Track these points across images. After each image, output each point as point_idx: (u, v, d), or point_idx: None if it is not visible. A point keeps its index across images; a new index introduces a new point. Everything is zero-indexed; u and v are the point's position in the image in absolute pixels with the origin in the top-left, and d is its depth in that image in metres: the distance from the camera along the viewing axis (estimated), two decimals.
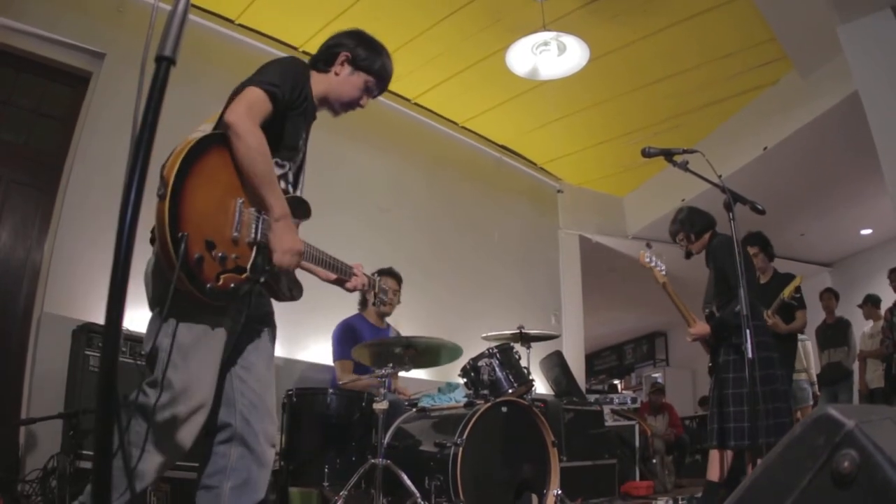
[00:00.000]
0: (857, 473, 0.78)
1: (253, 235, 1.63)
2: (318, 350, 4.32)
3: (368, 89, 1.96)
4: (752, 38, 4.74)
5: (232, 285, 1.55)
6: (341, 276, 2.01)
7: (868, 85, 3.82)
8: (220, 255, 1.52)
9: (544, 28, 4.15)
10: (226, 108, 1.62)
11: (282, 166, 1.78)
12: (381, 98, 5.49)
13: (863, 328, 6.13)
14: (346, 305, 3.99)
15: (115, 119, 3.63)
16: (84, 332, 2.99)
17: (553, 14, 4.33)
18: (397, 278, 3.95)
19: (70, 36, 3.74)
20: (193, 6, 4.13)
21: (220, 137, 1.58)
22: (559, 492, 2.97)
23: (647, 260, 3.33)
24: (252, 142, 1.57)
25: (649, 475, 5.61)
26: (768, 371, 3.05)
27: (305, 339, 4.36)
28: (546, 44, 4.07)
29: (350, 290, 2.07)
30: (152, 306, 1.64)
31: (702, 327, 3.25)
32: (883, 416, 0.90)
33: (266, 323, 1.83)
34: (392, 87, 5.34)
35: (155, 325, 1.57)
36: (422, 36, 4.73)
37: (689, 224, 3.43)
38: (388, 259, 4.02)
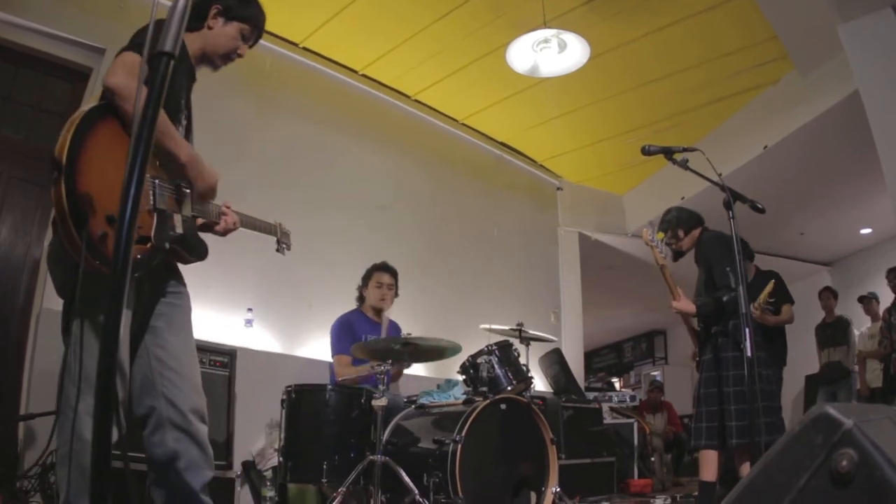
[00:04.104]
0: (856, 473, 0.78)
1: (151, 203, 1.61)
2: (316, 346, 4.31)
3: (244, 37, 1.93)
4: (753, 37, 4.73)
5: (139, 256, 1.55)
6: (208, 220, 1.85)
7: (868, 84, 3.82)
8: None
9: (545, 25, 4.14)
10: None
11: None
12: (381, 94, 5.54)
13: (862, 326, 6.13)
14: (344, 301, 3.99)
15: None
16: None
17: (554, 11, 4.32)
18: (391, 272, 3.94)
19: (70, 31, 3.72)
20: None
21: (105, 108, 1.55)
22: (557, 489, 2.98)
23: (651, 238, 3.22)
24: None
25: (648, 473, 5.62)
26: (760, 371, 3.05)
27: (303, 335, 4.35)
28: (547, 41, 4.06)
29: (221, 234, 1.91)
30: (61, 294, 1.62)
31: (686, 303, 3.19)
32: (881, 415, 0.90)
33: (175, 295, 1.78)
34: (392, 83, 5.41)
35: (68, 319, 1.57)
36: (422, 32, 4.72)
37: (677, 221, 3.39)
38: (386, 256, 4.02)
